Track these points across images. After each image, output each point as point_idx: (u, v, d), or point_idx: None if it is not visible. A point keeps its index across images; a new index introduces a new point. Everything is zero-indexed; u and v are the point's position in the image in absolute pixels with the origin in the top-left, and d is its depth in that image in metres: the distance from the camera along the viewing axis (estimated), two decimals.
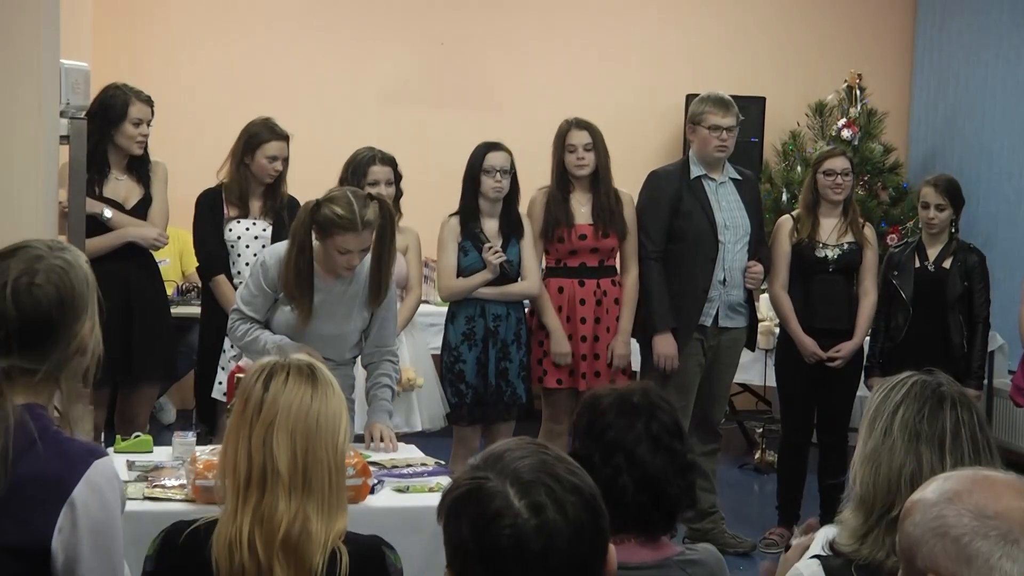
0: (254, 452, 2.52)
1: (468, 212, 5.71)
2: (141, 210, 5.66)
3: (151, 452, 4.28)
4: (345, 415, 2.61)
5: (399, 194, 5.66)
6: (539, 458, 1.79)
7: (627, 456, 2.54)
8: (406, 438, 5.22)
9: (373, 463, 4.10)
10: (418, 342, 5.80)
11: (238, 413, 2.58)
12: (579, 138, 5.81)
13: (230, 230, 5.71)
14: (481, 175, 5.65)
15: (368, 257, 4.52)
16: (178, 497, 3.71)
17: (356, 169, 5.57)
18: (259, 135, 5.70)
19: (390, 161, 5.62)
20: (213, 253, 5.74)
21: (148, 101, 5.68)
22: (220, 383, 5.58)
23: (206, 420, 5.75)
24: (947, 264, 6.13)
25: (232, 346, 5.51)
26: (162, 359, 5.79)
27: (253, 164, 5.68)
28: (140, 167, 5.71)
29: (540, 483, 1.75)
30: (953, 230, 6.18)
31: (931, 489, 1.85)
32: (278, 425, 2.52)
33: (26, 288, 2.39)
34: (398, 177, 5.66)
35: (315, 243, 4.46)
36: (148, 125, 5.67)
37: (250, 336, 4.53)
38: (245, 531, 2.49)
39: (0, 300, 2.37)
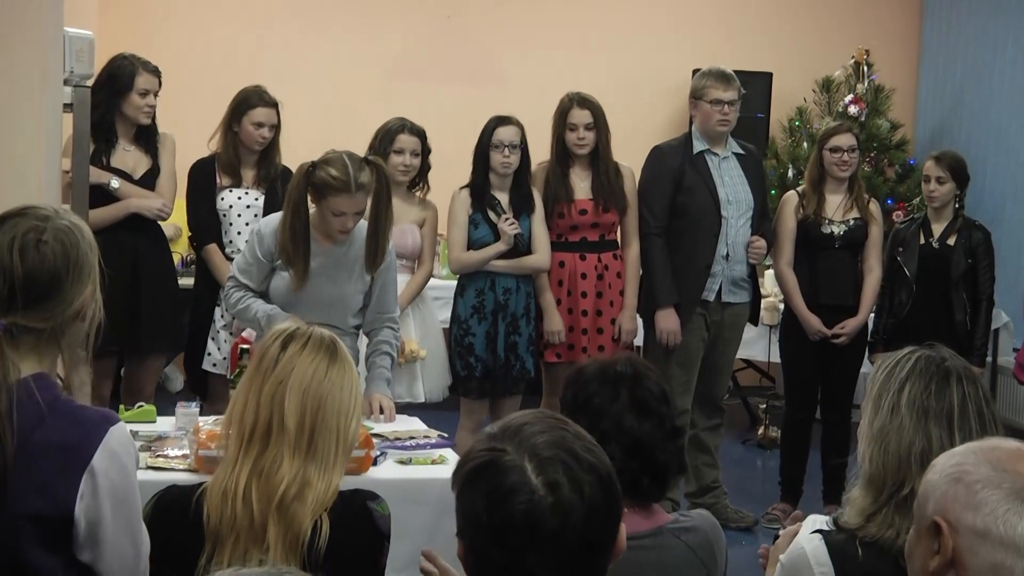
0: (262, 406, 2.55)
1: (479, 187, 5.70)
2: (148, 180, 5.64)
3: (154, 422, 4.28)
4: (359, 397, 2.63)
5: (427, 167, 5.70)
6: (559, 434, 1.79)
7: (614, 423, 2.53)
8: (409, 410, 5.22)
9: (376, 435, 4.09)
10: (425, 315, 5.78)
11: (252, 368, 2.61)
12: (580, 117, 5.79)
13: (222, 199, 5.68)
14: (490, 150, 5.64)
15: (365, 221, 4.52)
16: (181, 467, 3.71)
17: (384, 136, 5.62)
18: (246, 101, 5.67)
19: (419, 133, 5.65)
20: (204, 222, 5.71)
21: (155, 72, 5.65)
22: (209, 354, 5.58)
23: (197, 390, 5.73)
24: (952, 241, 6.11)
25: (221, 316, 5.51)
26: (169, 330, 5.77)
27: (241, 131, 5.64)
28: (148, 138, 5.69)
29: (558, 460, 1.74)
30: (958, 206, 6.15)
31: (957, 448, 1.86)
32: (291, 384, 2.55)
33: (33, 244, 2.42)
34: (427, 151, 5.67)
35: (311, 207, 4.45)
36: (155, 96, 5.64)
37: (243, 304, 4.53)
38: (242, 482, 2.52)
39: (7, 255, 2.41)
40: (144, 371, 5.73)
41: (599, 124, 5.79)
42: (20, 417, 2.34)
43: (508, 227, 5.61)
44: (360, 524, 2.59)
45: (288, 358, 2.57)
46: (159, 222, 5.71)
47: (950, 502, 1.80)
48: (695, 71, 7.35)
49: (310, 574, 2.35)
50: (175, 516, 2.56)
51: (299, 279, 4.47)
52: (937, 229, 6.15)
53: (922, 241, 6.16)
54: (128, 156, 5.62)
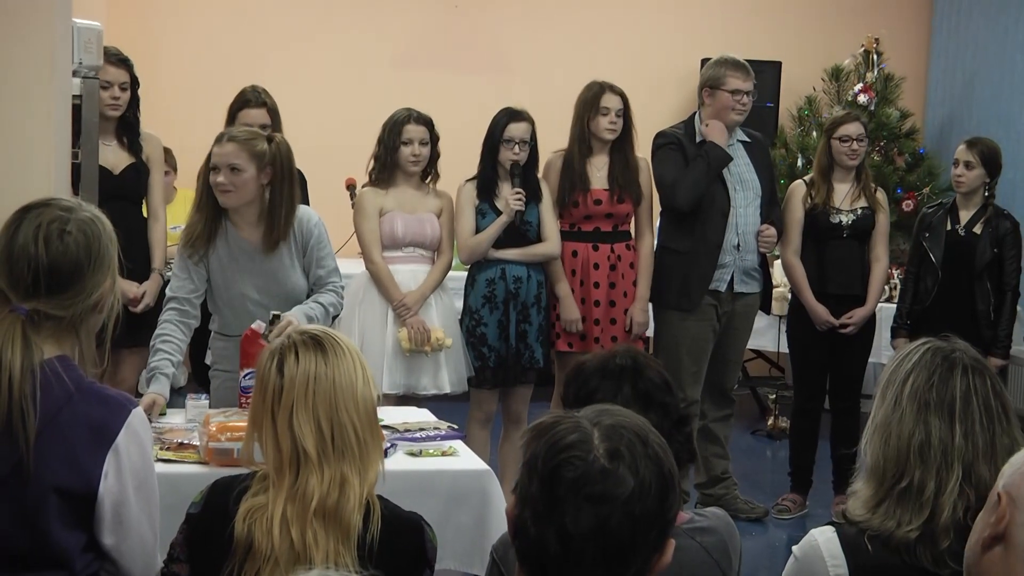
0: (281, 439, 2.54)
1: (486, 179, 5.69)
2: (130, 176, 5.53)
3: (164, 415, 4.27)
4: (360, 366, 2.61)
5: (436, 156, 5.64)
6: (638, 422, 1.83)
7: None
8: (428, 402, 5.21)
9: (386, 427, 4.09)
10: (447, 305, 5.74)
11: (258, 401, 2.60)
12: (613, 102, 5.77)
13: None
14: (501, 145, 5.63)
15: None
16: (191, 459, 3.71)
17: (392, 128, 5.56)
18: (237, 102, 5.60)
19: (426, 121, 5.59)
20: None
21: (121, 63, 5.48)
22: (209, 348, 5.54)
23: (201, 384, 5.68)
24: (978, 229, 6.06)
25: None
26: (151, 324, 5.65)
27: None
28: (130, 134, 5.57)
29: (625, 438, 1.77)
30: (987, 194, 6.11)
31: None
32: (297, 406, 2.54)
33: (57, 235, 2.51)
34: (435, 138, 5.62)
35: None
36: (122, 89, 5.48)
37: (155, 343, 4.41)
38: (279, 513, 2.51)
39: (32, 244, 2.49)
40: (126, 364, 5.59)
41: (627, 111, 5.80)
42: (47, 395, 2.44)
43: (513, 199, 5.59)
44: (412, 539, 2.61)
45: (289, 381, 2.55)
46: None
47: (1019, 477, 1.80)
48: (703, 60, 7.34)
49: (364, 569, 2.41)
50: (226, 508, 2.56)
51: (199, 242, 4.42)
52: (964, 216, 6.10)
53: (948, 227, 6.12)
54: (108, 152, 5.45)
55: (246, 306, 4.47)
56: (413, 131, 5.54)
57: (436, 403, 5.22)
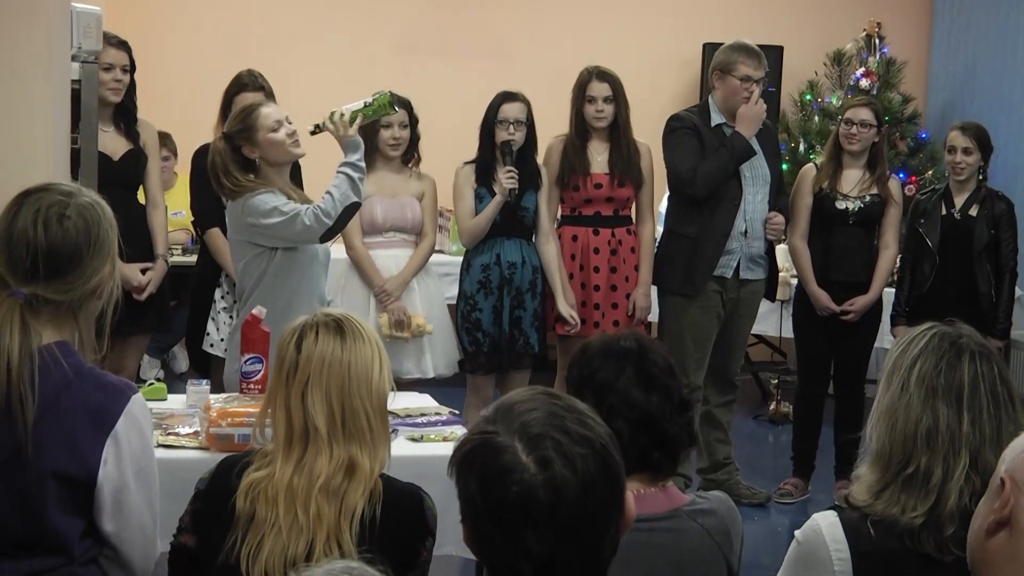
0: (293, 413, 2.61)
1: (484, 163, 5.67)
2: (128, 163, 5.49)
3: (165, 400, 4.27)
4: (378, 356, 2.68)
5: (416, 138, 5.65)
6: (549, 410, 1.78)
7: (620, 398, 2.51)
8: (420, 386, 5.21)
9: (388, 412, 4.08)
10: (431, 289, 5.75)
11: (275, 376, 2.68)
12: (599, 90, 5.76)
13: None
14: (496, 126, 5.61)
15: None
16: (191, 445, 3.70)
17: None
18: (234, 86, 5.54)
19: (405, 104, 5.59)
20: (206, 207, 5.54)
21: (121, 45, 5.44)
22: (208, 334, 5.54)
23: (200, 371, 5.67)
24: (974, 212, 6.06)
25: (222, 297, 5.47)
26: (153, 310, 5.66)
27: None
28: (127, 120, 5.53)
29: (548, 437, 1.73)
30: (981, 177, 6.11)
31: None
32: (312, 383, 2.60)
33: (57, 219, 2.50)
34: (414, 121, 5.63)
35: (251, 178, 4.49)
36: (124, 71, 5.44)
37: (326, 199, 4.56)
38: (284, 482, 2.57)
39: (31, 228, 2.49)
40: (126, 350, 5.55)
41: (618, 97, 5.77)
42: (46, 381, 2.44)
43: (506, 178, 5.57)
44: (412, 513, 2.67)
45: (305, 358, 2.62)
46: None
47: (1021, 461, 1.78)
48: (705, 45, 7.36)
49: (363, 546, 2.47)
50: (231, 486, 2.62)
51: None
52: (959, 200, 6.10)
53: (943, 212, 6.11)
54: (107, 138, 5.38)
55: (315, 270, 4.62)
56: (392, 115, 5.53)
57: (434, 388, 5.21)
